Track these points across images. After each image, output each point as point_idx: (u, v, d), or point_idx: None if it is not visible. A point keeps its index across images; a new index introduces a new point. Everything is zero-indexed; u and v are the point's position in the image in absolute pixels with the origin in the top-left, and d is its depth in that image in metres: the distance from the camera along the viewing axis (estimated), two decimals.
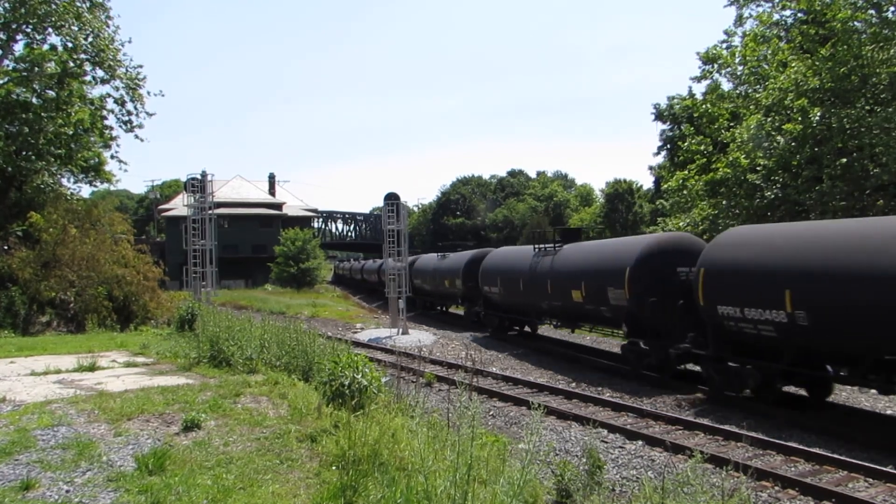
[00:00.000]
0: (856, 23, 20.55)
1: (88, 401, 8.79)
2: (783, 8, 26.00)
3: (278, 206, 70.80)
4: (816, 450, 9.63)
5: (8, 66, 26.77)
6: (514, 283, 21.89)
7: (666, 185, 29.24)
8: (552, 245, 20.40)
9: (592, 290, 16.97)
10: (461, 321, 30.60)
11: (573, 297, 17.91)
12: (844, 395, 13.71)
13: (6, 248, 25.57)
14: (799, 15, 25.25)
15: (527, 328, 24.52)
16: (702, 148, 26.19)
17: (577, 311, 18.49)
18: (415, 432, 6.71)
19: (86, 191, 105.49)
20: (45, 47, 27.18)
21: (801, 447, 9.74)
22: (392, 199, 27.90)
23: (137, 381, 10.49)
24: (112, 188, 41.08)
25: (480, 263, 25.73)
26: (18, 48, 27.02)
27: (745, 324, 11.95)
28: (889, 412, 12.39)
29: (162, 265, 28.88)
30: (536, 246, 21.26)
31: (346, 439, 6.38)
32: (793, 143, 21.07)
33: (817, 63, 21.17)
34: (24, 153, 26.99)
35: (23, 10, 24.70)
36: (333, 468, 6.30)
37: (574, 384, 15.69)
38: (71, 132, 27.56)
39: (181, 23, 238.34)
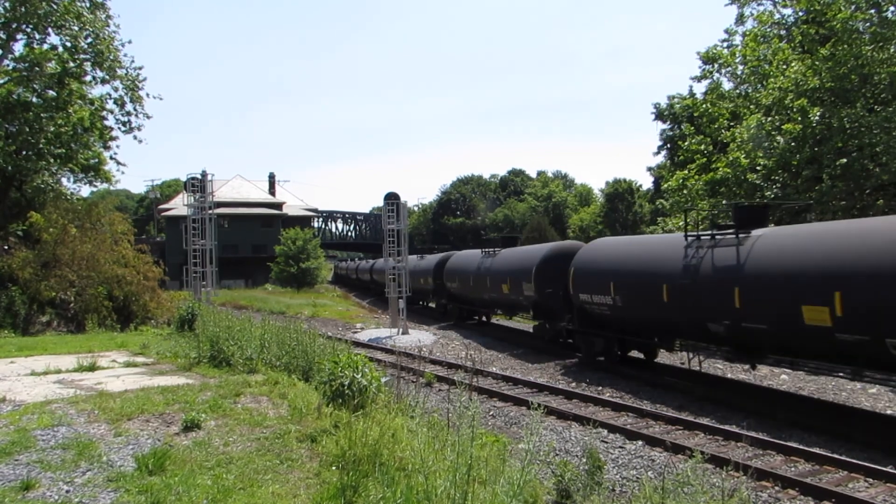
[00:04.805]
0: (856, 22, 20.57)
1: (88, 401, 8.79)
2: (784, 6, 26.05)
3: (278, 206, 70.79)
4: (816, 450, 9.63)
5: (8, 66, 26.78)
6: (650, 292, 14.42)
7: (666, 185, 29.26)
8: (738, 230, 12.65)
9: (860, 304, 9.73)
10: (519, 337, 23.77)
11: (805, 317, 10.46)
12: (844, 394, 13.72)
13: (6, 248, 25.57)
14: (799, 14, 25.27)
15: (632, 353, 17.58)
16: (702, 147, 26.22)
17: (815, 341, 10.81)
18: (415, 432, 6.71)
19: (85, 191, 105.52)
20: (45, 47, 27.19)
21: (801, 447, 9.75)
22: (392, 198, 27.91)
23: (137, 381, 10.49)
24: (112, 188, 41.16)
25: (569, 261, 18.41)
26: (18, 48, 27.09)
27: None
28: (889, 412, 12.39)
29: (162, 265, 28.83)
30: (700, 233, 14.02)
31: (346, 439, 6.37)
32: (793, 143, 21.08)
33: (817, 63, 21.20)
34: (24, 153, 27.02)
35: (23, 10, 24.68)
36: (333, 468, 6.30)
37: (574, 384, 15.69)
38: (71, 132, 27.58)
39: (181, 23, 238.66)
